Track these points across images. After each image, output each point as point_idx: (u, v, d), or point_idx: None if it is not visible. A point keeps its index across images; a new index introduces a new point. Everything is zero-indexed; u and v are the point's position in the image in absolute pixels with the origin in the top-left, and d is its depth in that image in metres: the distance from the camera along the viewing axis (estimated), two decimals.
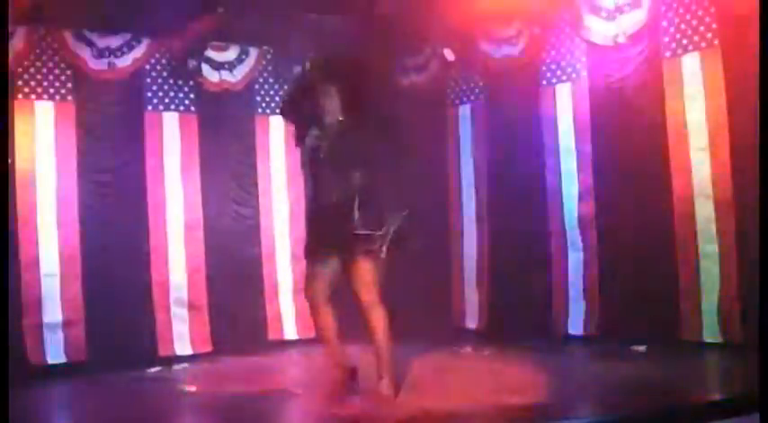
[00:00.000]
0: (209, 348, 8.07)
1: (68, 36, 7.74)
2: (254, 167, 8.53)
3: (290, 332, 8.53)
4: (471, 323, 8.54)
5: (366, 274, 5.39)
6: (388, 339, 5.48)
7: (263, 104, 8.64)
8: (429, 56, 8.75)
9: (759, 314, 4.79)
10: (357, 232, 5.33)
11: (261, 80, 8.63)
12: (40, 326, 7.41)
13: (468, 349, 7.70)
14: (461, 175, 8.69)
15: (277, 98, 8.66)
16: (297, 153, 8.49)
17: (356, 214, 5.32)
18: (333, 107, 5.60)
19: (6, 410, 4.50)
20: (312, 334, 8.40)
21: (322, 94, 5.64)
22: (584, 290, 7.62)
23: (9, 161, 7.27)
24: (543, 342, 7.51)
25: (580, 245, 7.65)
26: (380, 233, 5.32)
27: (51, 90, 7.72)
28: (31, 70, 7.65)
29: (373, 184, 5.42)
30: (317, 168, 5.61)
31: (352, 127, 5.51)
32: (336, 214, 5.41)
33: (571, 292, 7.71)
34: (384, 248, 5.33)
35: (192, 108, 8.26)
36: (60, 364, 7.45)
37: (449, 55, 8.51)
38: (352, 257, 5.40)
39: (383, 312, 5.45)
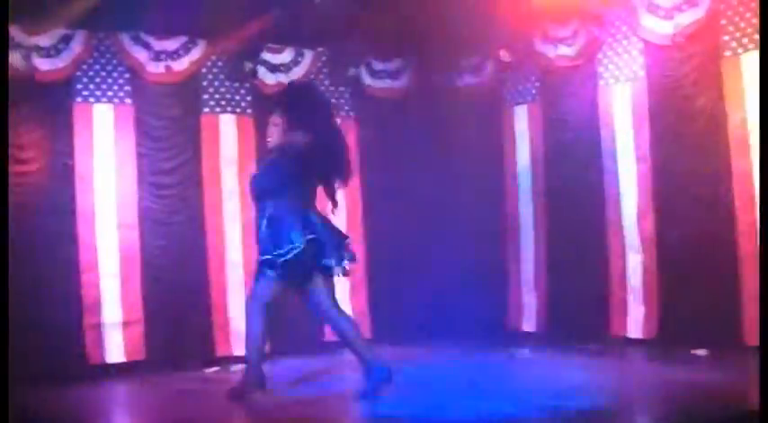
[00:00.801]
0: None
1: (126, 39, 7.81)
2: None
3: None
4: (529, 326, 8.48)
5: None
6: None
7: None
8: (485, 56, 8.72)
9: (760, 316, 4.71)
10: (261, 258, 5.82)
11: (317, 82, 8.62)
12: (99, 326, 7.49)
13: (526, 352, 7.66)
14: (518, 177, 8.63)
15: (333, 100, 8.70)
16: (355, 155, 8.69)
17: (263, 241, 5.80)
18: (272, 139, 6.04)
19: (6, 410, 4.57)
20: (368, 336, 8.53)
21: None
22: (643, 293, 7.54)
23: (67, 162, 7.41)
24: (602, 345, 7.46)
25: (639, 247, 7.56)
26: (280, 252, 5.66)
27: (110, 93, 7.79)
28: (90, 73, 7.72)
29: (281, 212, 5.73)
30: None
31: (274, 158, 5.91)
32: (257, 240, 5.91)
33: (630, 295, 7.63)
34: (280, 270, 5.70)
35: (249, 110, 8.29)
36: (119, 363, 7.53)
37: (504, 56, 8.47)
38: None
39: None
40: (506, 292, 8.69)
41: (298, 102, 5.99)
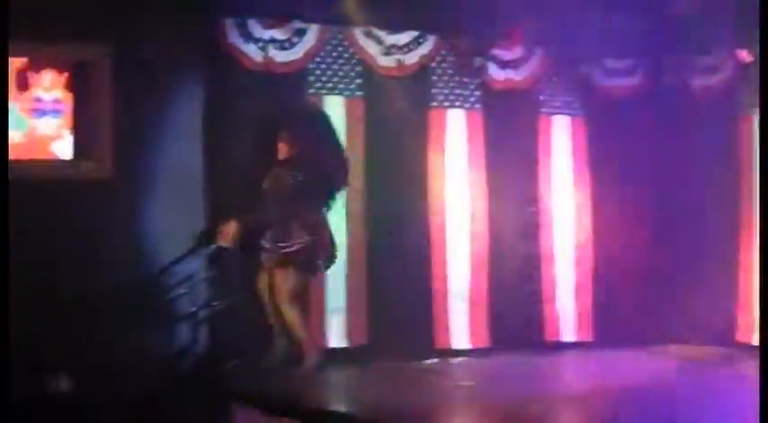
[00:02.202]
0: (486, 344, 8.08)
1: (358, 33, 7.93)
2: (537, 166, 8.50)
3: (568, 334, 8.48)
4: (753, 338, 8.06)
5: None
6: None
7: (548, 104, 8.59)
8: (724, 57, 8.35)
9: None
10: None
11: (546, 80, 8.55)
12: (322, 311, 7.67)
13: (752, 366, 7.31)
14: (754, 186, 8.21)
15: (561, 98, 8.59)
16: (583, 154, 8.49)
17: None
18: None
19: (7, 405, 4.70)
20: (590, 338, 8.39)
21: None
22: None
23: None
24: None
25: None
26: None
27: (341, 85, 7.92)
28: (323, 66, 7.86)
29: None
30: None
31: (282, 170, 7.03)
32: None
33: None
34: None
35: (478, 105, 8.27)
36: (340, 348, 7.65)
37: (744, 56, 8.11)
38: None
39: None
40: (730, 301, 8.28)
41: (301, 121, 7.25)
